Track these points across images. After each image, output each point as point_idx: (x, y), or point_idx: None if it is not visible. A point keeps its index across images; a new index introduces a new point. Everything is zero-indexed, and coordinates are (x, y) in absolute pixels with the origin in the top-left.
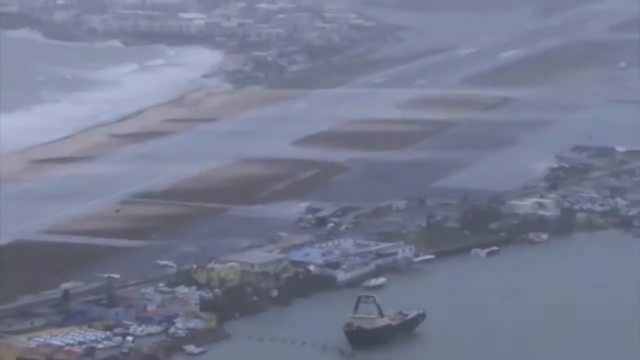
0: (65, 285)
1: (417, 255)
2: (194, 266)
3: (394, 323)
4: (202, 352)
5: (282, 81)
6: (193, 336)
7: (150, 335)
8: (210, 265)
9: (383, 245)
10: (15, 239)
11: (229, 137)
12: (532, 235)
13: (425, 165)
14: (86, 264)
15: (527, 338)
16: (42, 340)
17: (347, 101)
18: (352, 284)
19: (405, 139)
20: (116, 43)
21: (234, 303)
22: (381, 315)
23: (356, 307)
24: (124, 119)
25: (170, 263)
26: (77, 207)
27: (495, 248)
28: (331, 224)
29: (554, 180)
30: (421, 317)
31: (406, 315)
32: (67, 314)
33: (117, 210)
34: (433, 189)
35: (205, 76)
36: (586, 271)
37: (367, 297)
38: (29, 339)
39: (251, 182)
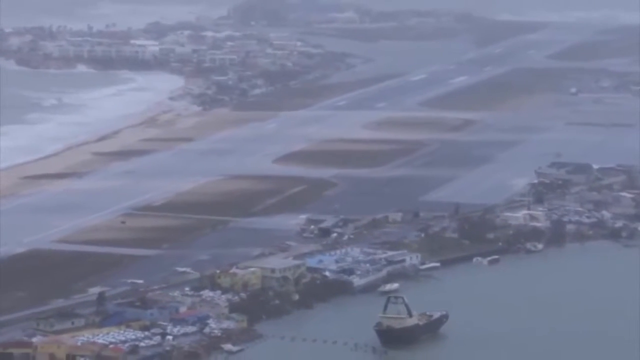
0: (94, 290)
1: (423, 263)
2: (217, 271)
3: (421, 323)
4: (239, 351)
5: (246, 104)
6: (228, 336)
7: (186, 335)
8: (232, 271)
9: (390, 253)
10: (31, 248)
11: (209, 155)
12: (528, 245)
13: (408, 181)
14: (106, 270)
15: (540, 338)
16: (85, 339)
17: (314, 122)
18: (367, 289)
19: (381, 157)
20: (84, 68)
21: (259, 306)
22: (410, 315)
23: (385, 308)
24: (103, 138)
25: (188, 269)
26: (82, 220)
27: (496, 257)
28: (334, 234)
29: (538, 194)
30: (445, 317)
31: (431, 316)
32: (104, 315)
33: (123, 222)
34: (421, 202)
35: (172, 99)
36: (583, 278)
37: (396, 297)
38: (73, 337)
39: (244, 197)
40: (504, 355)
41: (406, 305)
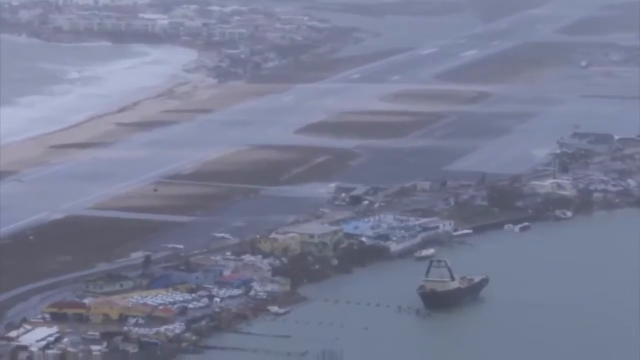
0: (136, 254)
1: (455, 230)
2: (257, 236)
3: (463, 286)
4: (285, 312)
5: (260, 76)
6: (273, 298)
7: (232, 297)
8: (272, 236)
9: (424, 220)
10: (68, 214)
11: (230, 126)
12: (557, 212)
13: (431, 151)
14: (145, 236)
15: (575, 303)
16: (135, 300)
17: (331, 95)
18: (403, 254)
19: (401, 129)
20: (98, 42)
21: (300, 270)
22: (452, 278)
23: (428, 271)
24: (123, 109)
25: (226, 235)
26: (114, 187)
27: (526, 224)
28: (366, 202)
29: (562, 164)
30: (485, 281)
31: (472, 279)
32: (151, 278)
33: (155, 190)
34: (445, 172)
35: (187, 71)
36: (614, 245)
37: (438, 261)
38: (123, 299)
39: (270, 166)
40: (543, 319)
41: (449, 269)
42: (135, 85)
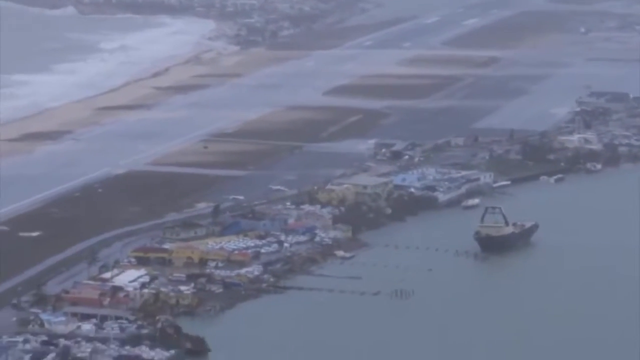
0: (201, 205)
1: (495, 181)
2: (315, 187)
3: (516, 231)
4: (351, 257)
5: (278, 44)
6: (338, 244)
7: (299, 243)
8: (328, 187)
9: (464, 172)
10: (128, 170)
11: (261, 89)
12: (588, 165)
13: (456, 110)
14: (205, 189)
15: (617, 244)
16: (211, 245)
17: (349, 60)
18: (450, 204)
19: (423, 90)
20: (120, 14)
21: (357, 218)
22: (507, 224)
23: (483, 218)
24: (156, 75)
25: (281, 187)
26: (165, 145)
27: (561, 175)
28: (406, 157)
29: (585, 120)
30: (535, 227)
31: (523, 225)
32: (222, 225)
33: (205, 147)
34: (473, 129)
35: (210, 39)
36: None
37: (493, 208)
38: (200, 244)
39: (307, 125)
40: (591, 263)
41: (503, 215)
42: (164, 53)
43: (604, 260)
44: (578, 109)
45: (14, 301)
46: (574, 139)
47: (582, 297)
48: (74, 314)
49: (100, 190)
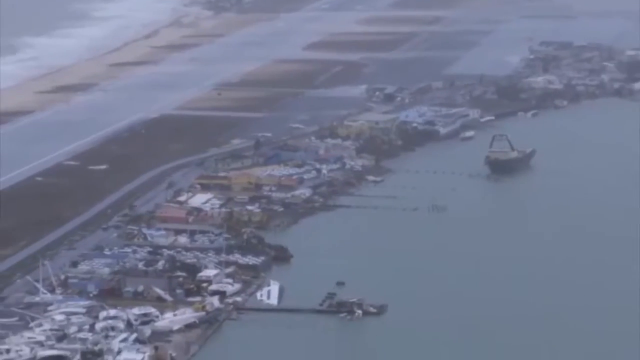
0: (236, 142)
1: (482, 117)
2: (334, 123)
3: (519, 156)
4: (381, 180)
5: (245, 9)
6: (366, 170)
7: (332, 170)
8: (346, 123)
9: (455, 110)
10: (161, 114)
11: (246, 46)
12: (556, 102)
13: (423, 60)
14: (233, 128)
15: (603, 167)
16: (261, 173)
17: (313, 21)
18: (449, 136)
19: (388, 44)
20: None
21: (374, 149)
22: (513, 149)
23: (491, 144)
24: (148, 36)
25: (300, 125)
26: (183, 94)
27: (535, 111)
28: (398, 98)
29: (542, 65)
30: (533, 152)
31: (524, 151)
32: (264, 156)
33: (219, 94)
34: (445, 75)
35: (185, 6)
36: (609, 125)
37: (500, 135)
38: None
39: (299, 75)
40: (584, 180)
41: (509, 141)
42: (147, 19)
43: (594, 178)
44: (532, 57)
45: (105, 226)
46: (539, 80)
47: (581, 208)
48: (167, 230)
49: (143, 131)
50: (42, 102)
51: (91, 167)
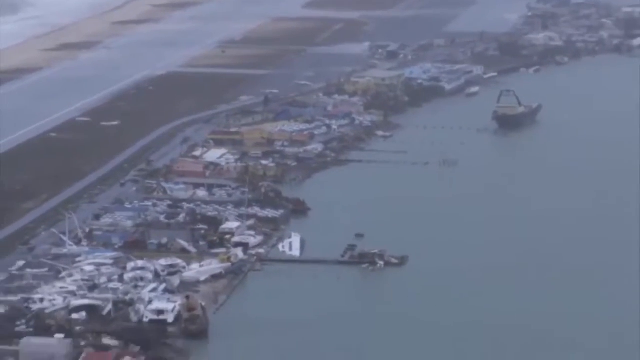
0: (244, 98)
1: (485, 73)
2: (342, 80)
3: (526, 111)
4: (390, 136)
5: None
6: (375, 126)
7: (342, 126)
8: (353, 79)
9: (458, 66)
10: (167, 71)
11: (246, 4)
12: (557, 58)
13: (422, 18)
14: (239, 85)
15: (608, 120)
16: (272, 128)
17: None
18: (454, 92)
19: (386, 2)
20: None
21: (381, 105)
22: (520, 104)
23: (499, 99)
24: None
25: (306, 82)
26: (187, 51)
27: (537, 67)
28: (401, 55)
29: (541, 23)
30: (539, 108)
31: (531, 106)
32: (274, 113)
33: (223, 51)
34: (445, 32)
35: None
36: (612, 80)
37: (507, 91)
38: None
39: (301, 32)
40: (589, 133)
41: (516, 97)
42: None
43: (598, 131)
44: (530, 14)
45: (123, 180)
46: (539, 37)
47: (587, 161)
48: (185, 184)
49: (151, 88)
50: (49, 60)
51: (103, 123)
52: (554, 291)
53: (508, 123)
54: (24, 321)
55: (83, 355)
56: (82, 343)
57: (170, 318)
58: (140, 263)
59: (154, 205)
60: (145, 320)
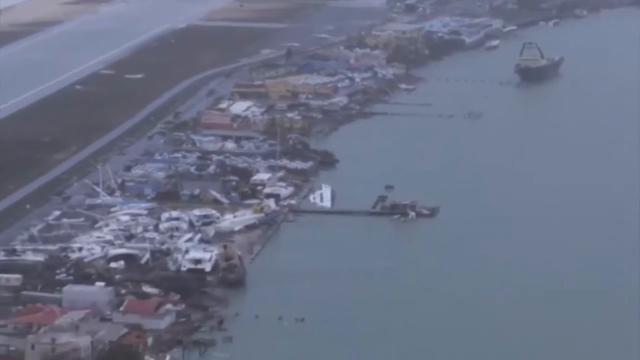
0: (265, 52)
1: (504, 27)
2: (363, 33)
3: (549, 64)
4: (414, 89)
5: None
6: (398, 79)
7: (365, 79)
8: (374, 33)
9: (478, 20)
10: (187, 24)
11: None
12: (576, 11)
13: None
14: (260, 38)
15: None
16: (295, 81)
17: None
18: (475, 45)
19: None
20: None
21: (403, 58)
22: (542, 57)
23: (522, 52)
24: None
25: (326, 35)
26: (206, 6)
27: (557, 20)
28: (419, 9)
29: None
30: (562, 60)
31: (553, 58)
32: (297, 65)
33: (241, 5)
34: None
35: None
36: (631, 32)
37: (530, 43)
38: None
39: None
40: (610, 85)
41: (539, 49)
42: None
43: (619, 83)
44: None
45: (150, 133)
46: None
47: (610, 113)
48: (214, 136)
49: (172, 41)
50: (69, 13)
51: (128, 76)
52: (586, 238)
53: (531, 76)
54: (63, 269)
55: (125, 302)
56: (122, 291)
57: (207, 267)
58: (174, 213)
59: (184, 156)
60: (183, 269)
